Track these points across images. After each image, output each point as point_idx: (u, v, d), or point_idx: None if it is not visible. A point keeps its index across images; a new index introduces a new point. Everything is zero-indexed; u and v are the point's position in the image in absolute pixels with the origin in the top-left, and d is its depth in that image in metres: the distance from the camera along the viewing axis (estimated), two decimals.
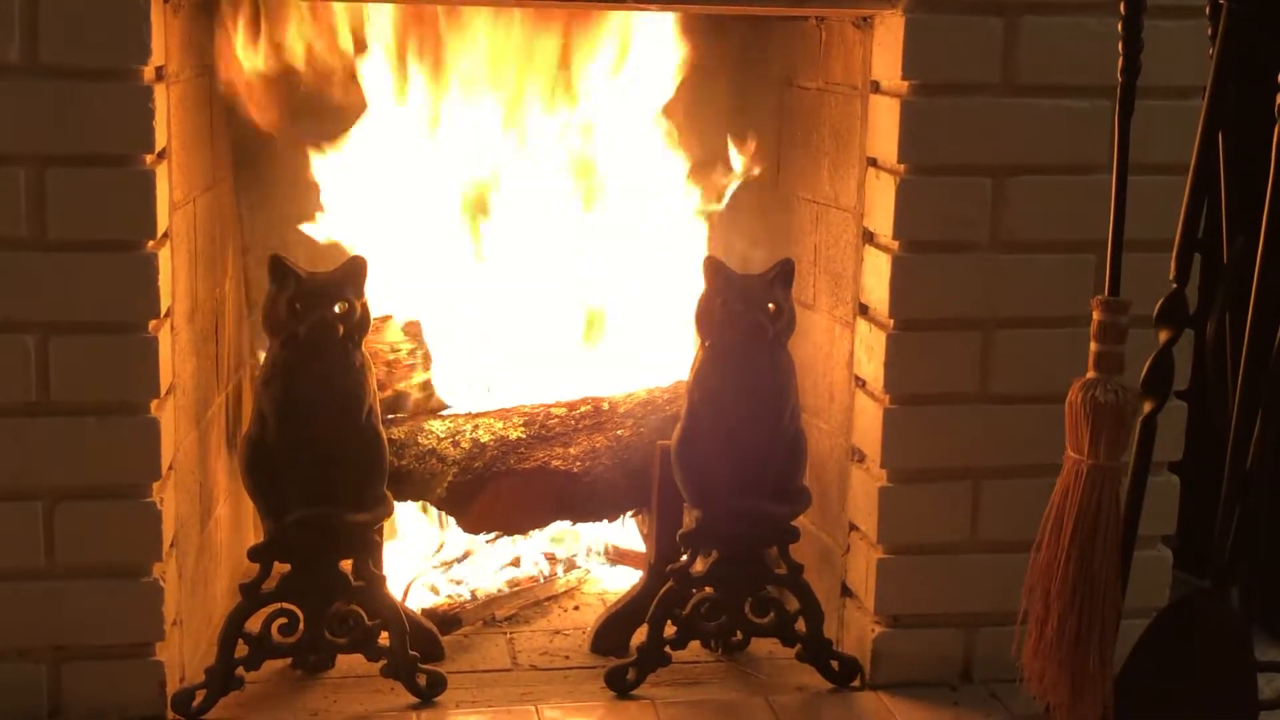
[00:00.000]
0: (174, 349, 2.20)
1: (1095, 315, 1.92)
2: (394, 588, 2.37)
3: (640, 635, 2.38)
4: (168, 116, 2.14)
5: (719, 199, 2.78)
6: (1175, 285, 1.93)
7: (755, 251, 2.75)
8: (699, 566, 2.37)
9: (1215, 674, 1.99)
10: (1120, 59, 1.91)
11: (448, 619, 2.54)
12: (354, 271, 2.21)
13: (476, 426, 2.55)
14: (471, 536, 2.62)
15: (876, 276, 2.32)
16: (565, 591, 2.76)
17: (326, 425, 2.21)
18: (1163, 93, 2.18)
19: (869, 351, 2.35)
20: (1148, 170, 2.12)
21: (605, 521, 2.68)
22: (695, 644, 2.42)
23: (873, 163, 2.34)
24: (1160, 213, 2.07)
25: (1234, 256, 1.98)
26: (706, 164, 2.78)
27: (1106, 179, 1.96)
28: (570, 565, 2.81)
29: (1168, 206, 1.99)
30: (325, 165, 2.66)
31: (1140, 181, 1.98)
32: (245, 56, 2.52)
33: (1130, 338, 1.92)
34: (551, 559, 2.79)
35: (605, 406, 2.61)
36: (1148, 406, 1.94)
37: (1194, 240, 1.94)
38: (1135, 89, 1.91)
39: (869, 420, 2.36)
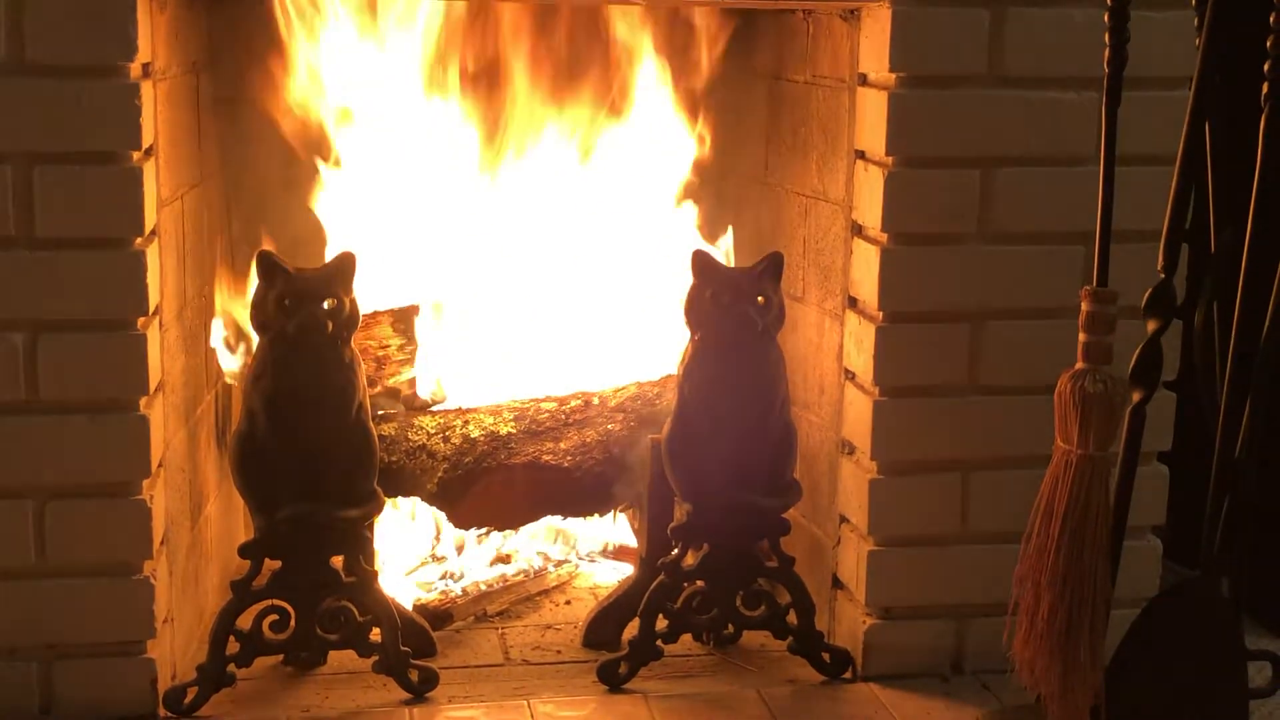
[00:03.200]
0: (163, 346, 2.19)
1: (1084, 306, 1.93)
2: (385, 583, 2.37)
3: (632, 629, 2.38)
4: (155, 113, 2.13)
5: (707, 192, 2.78)
6: (1163, 275, 1.94)
7: (744, 245, 2.76)
8: (690, 560, 2.38)
9: (1206, 663, 1.99)
10: (1107, 50, 1.91)
11: (439, 614, 2.54)
12: (343, 267, 2.21)
13: (467, 422, 2.54)
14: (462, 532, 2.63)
15: (865, 269, 2.32)
16: (556, 586, 2.76)
17: (316, 422, 2.21)
18: (1150, 83, 2.18)
19: (858, 344, 2.35)
20: (1135, 161, 2.13)
21: (596, 516, 2.68)
22: (687, 637, 2.43)
23: (861, 155, 2.34)
24: (1148, 203, 2.08)
25: (1221, 246, 1.99)
26: (696, 158, 2.78)
27: (1094, 170, 1.96)
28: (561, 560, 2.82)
29: (1155, 197, 2.00)
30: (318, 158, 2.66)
31: (1128, 172, 1.99)
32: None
33: (1119, 328, 1.93)
34: (546, 557, 2.80)
35: (595, 401, 2.61)
36: (1136, 396, 1.95)
37: (1182, 230, 1.95)
38: (1122, 80, 1.92)
39: (859, 413, 2.36)
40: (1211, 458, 1.98)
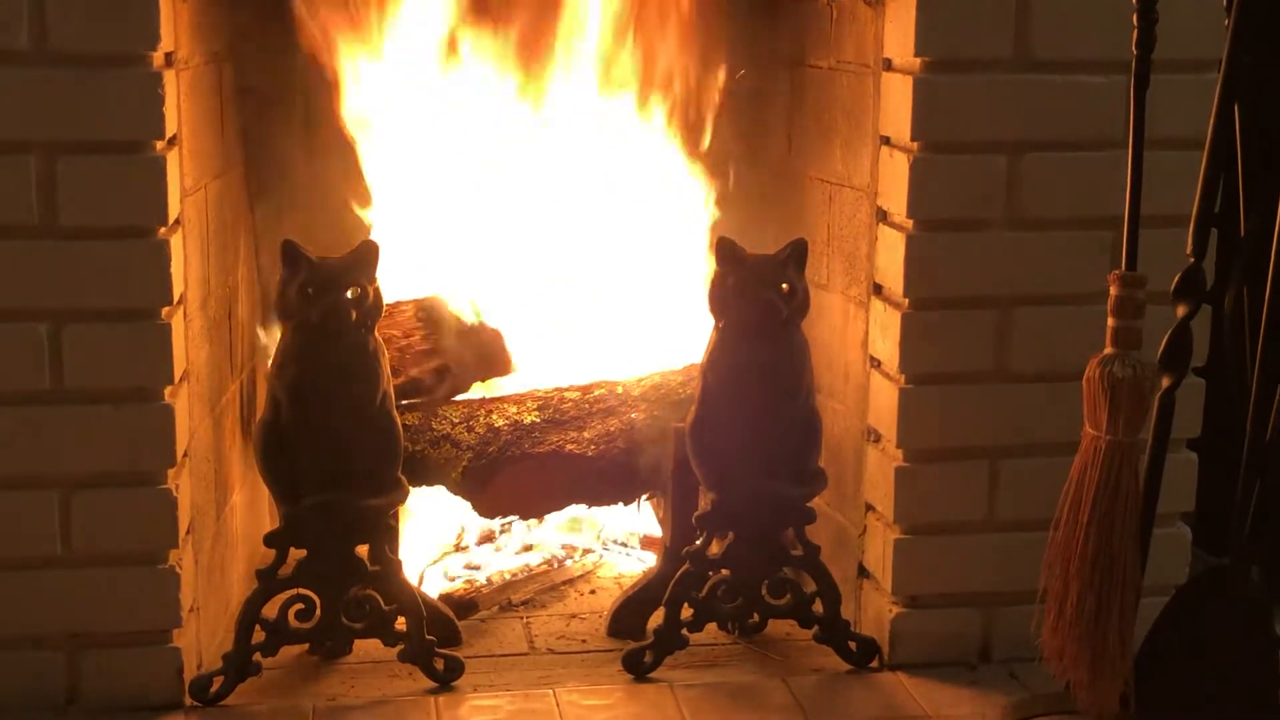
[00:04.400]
0: (187, 336, 2.20)
1: (1112, 290, 1.92)
2: (410, 572, 2.37)
3: (657, 618, 2.38)
4: (178, 103, 2.14)
5: (731, 180, 2.77)
6: (1192, 260, 1.92)
7: (768, 232, 2.74)
8: (715, 549, 2.37)
9: (1236, 650, 1.98)
10: (1135, 32, 1.90)
11: (464, 604, 2.54)
12: (366, 256, 2.21)
13: (490, 411, 2.54)
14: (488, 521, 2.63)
15: (890, 256, 2.31)
16: (581, 575, 2.76)
17: (340, 410, 2.21)
18: (1178, 66, 2.16)
19: (884, 331, 2.34)
20: (1164, 145, 2.11)
21: (620, 505, 2.68)
22: (712, 626, 2.42)
23: (886, 141, 2.33)
24: (1177, 187, 2.06)
25: (1251, 231, 1.98)
26: (719, 144, 2.77)
27: (1122, 154, 1.95)
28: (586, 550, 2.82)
29: (1184, 181, 1.99)
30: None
31: (1156, 156, 1.98)
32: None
33: (1148, 313, 1.91)
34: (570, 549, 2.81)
35: (619, 390, 2.61)
36: (1166, 382, 1.94)
37: (1211, 215, 1.93)
38: (1150, 63, 1.90)
39: (884, 400, 2.35)
40: (1241, 444, 1.96)
